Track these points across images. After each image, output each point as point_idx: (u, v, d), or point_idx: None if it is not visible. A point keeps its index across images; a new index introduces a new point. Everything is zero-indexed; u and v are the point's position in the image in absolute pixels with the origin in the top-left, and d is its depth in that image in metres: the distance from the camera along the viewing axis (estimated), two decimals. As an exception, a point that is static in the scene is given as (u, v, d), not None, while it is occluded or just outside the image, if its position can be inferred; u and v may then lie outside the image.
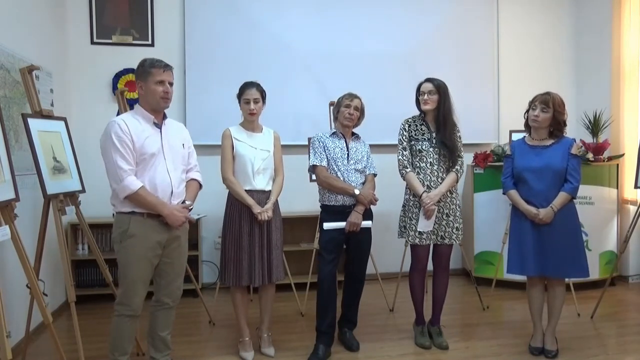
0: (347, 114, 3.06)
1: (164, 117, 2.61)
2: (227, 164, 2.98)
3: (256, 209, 2.90)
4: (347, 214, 3.00)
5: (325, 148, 3.07)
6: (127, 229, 2.45)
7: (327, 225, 3.01)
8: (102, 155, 2.45)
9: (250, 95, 2.96)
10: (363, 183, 3.10)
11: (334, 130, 3.17)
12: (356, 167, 3.08)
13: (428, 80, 3.10)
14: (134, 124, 2.46)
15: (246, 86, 3.00)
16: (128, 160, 2.39)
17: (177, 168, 2.58)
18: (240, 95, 3.02)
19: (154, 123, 2.53)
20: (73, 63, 4.31)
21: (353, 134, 3.20)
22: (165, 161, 2.52)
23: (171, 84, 2.53)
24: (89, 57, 4.34)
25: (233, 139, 2.99)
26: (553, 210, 2.86)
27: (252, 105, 2.97)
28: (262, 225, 2.95)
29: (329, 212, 3.05)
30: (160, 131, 2.54)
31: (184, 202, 2.60)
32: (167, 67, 2.51)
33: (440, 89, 3.06)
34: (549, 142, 2.96)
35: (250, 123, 3.04)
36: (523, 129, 3.13)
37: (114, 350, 2.55)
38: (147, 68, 2.48)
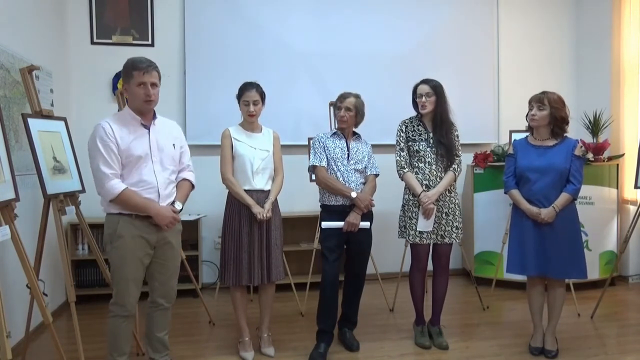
0: (338, 117, 3.08)
1: (155, 117, 2.57)
2: (227, 163, 2.98)
3: (255, 208, 2.91)
4: (346, 214, 3.00)
5: (326, 148, 3.07)
6: (116, 229, 2.44)
7: (325, 224, 3.01)
8: (89, 158, 2.44)
9: (250, 97, 2.96)
10: (363, 183, 3.11)
11: (334, 131, 3.17)
12: (356, 168, 3.08)
13: (424, 82, 3.09)
14: (120, 127, 2.43)
15: (245, 87, 2.99)
16: (110, 164, 2.38)
17: (165, 169, 2.55)
18: (239, 97, 3.02)
19: (142, 124, 2.50)
20: (73, 63, 4.31)
21: (354, 133, 3.20)
22: (152, 163, 2.49)
23: (154, 85, 2.45)
24: (89, 57, 4.34)
25: (232, 139, 3.00)
26: (555, 210, 2.86)
27: (252, 107, 2.97)
28: (261, 225, 2.95)
29: (329, 211, 3.06)
30: (149, 132, 2.51)
31: (173, 203, 2.57)
32: (148, 68, 2.42)
33: (437, 90, 3.06)
34: (552, 142, 2.96)
35: (249, 124, 3.05)
36: (523, 129, 3.14)
37: (112, 351, 2.55)
38: (129, 70, 2.43)
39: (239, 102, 3.03)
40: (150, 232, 2.49)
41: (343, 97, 3.09)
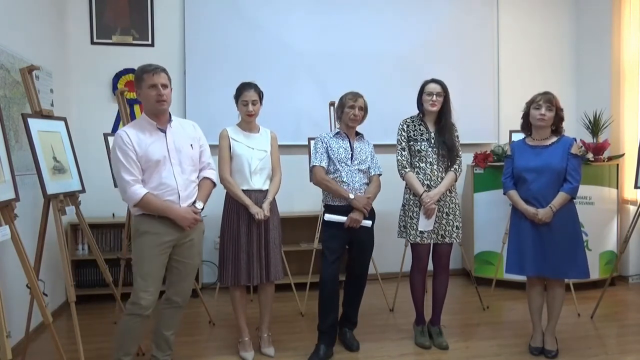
0: (352, 115, 3.05)
1: (170, 119, 2.61)
2: (225, 164, 2.98)
3: (253, 209, 2.91)
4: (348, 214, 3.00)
5: (329, 149, 3.07)
6: (140, 227, 2.51)
7: (328, 217, 3.01)
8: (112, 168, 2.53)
9: (249, 97, 2.96)
10: (366, 183, 3.11)
11: (337, 130, 3.17)
12: (360, 168, 3.07)
13: (435, 81, 3.10)
14: (137, 133, 2.49)
15: (244, 87, 2.99)
16: (131, 171, 2.44)
17: (184, 171, 2.58)
18: (237, 97, 3.01)
19: (158, 128, 2.55)
20: (73, 63, 4.31)
21: (357, 133, 3.19)
22: (171, 166, 2.53)
23: (165, 86, 2.51)
24: (89, 57, 4.34)
25: (230, 139, 2.99)
26: (552, 210, 2.86)
27: (251, 107, 2.97)
28: (260, 225, 2.95)
29: (333, 211, 3.04)
30: (165, 136, 2.55)
31: (194, 203, 2.61)
32: (157, 70, 2.50)
33: (446, 90, 3.08)
34: (549, 141, 2.96)
35: (247, 124, 3.05)
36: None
37: (119, 349, 2.55)
38: (139, 75, 2.51)
39: (237, 103, 3.03)
40: (173, 230, 2.53)
41: (355, 96, 3.07)
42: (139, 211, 2.51)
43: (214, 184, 2.76)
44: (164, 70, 2.54)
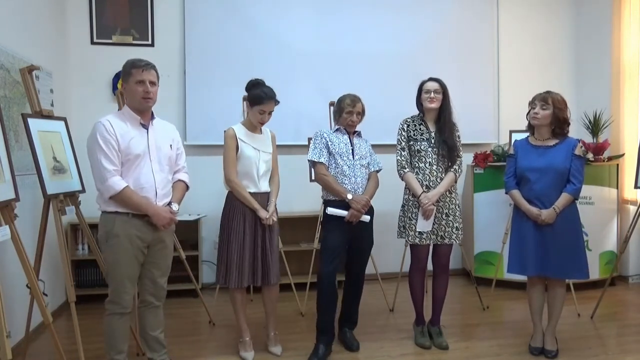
0: (349, 121, 3.07)
1: (152, 117, 2.60)
2: (232, 165, 2.93)
3: (262, 212, 2.91)
4: (349, 209, 3.00)
5: (330, 143, 3.06)
6: (112, 228, 2.45)
7: (330, 210, 3.00)
8: (88, 156, 2.46)
9: (269, 108, 2.93)
10: (368, 178, 3.11)
11: (337, 127, 3.17)
12: (361, 163, 3.08)
13: (433, 79, 3.11)
14: (120, 125, 2.46)
15: (266, 96, 2.89)
16: (112, 160, 2.40)
17: (162, 169, 2.57)
18: (255, 102, 2.91)
19: (141, 124, 2.53)
20: (73, 63, 4.31)
21: (355, 131, 3.20)
22: (150, 162, 2.52)
23: (153, 83, 2.49)
24: (89, 57, 4.34)
25: (238, 139, 2.94)
26: (555, 211, 2.86)
27: (267, 118, 2.96)
28: (264, 227, 2.96)
29: (333, 206, 3.03)
30: (147, 132, 2.54)
31: (169, 204, 2.59)
32: (147, 66, 2.47)
33: (444, 88, 3.08)
34: (553, 142, 2.96)
35: (253, 126, 3.02)
36: (523, 129, 3.14)
37: (110, 349, 2.55)
38: (128, 69, 2.48)
39: (250, 104, 2.94)
40: (147, 231, 2.51)
41: (354, 101, 3.07)
42: (110, 207, 2.45)
43: (187, 188, 2.75)
44: (153, 68, 2.51)
